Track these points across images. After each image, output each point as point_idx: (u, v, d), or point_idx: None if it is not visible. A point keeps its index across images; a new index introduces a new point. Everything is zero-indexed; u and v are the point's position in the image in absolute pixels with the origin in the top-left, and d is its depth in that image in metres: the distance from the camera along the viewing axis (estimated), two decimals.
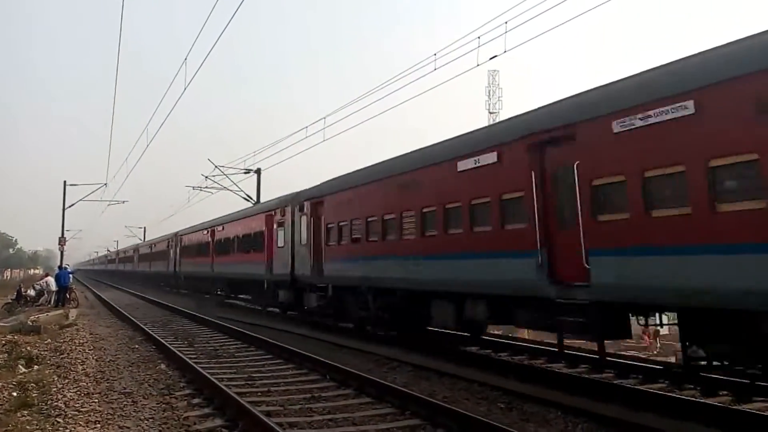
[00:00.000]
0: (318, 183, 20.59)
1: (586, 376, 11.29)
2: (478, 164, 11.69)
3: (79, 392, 10.08)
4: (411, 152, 15.11)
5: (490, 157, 11.34)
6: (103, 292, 46.22)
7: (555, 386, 9.98)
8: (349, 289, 17.48)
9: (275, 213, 24.19)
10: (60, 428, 7.94)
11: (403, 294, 14.74)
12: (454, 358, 12.99)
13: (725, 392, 9.47)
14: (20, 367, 12.48)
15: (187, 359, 12.71)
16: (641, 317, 9.65)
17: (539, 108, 10.99)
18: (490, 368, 11.83)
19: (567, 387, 9.92)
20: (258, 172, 36.32)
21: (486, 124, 11.81)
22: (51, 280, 33.77)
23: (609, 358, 12.36)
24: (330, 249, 18.45)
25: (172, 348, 14.49)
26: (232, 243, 30.37)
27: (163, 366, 12.75)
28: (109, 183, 45.66)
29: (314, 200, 19.93)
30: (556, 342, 12.03)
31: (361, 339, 16.32)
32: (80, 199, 45.44)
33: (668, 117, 7.98)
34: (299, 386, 10.64)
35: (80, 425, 8.11)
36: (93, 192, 45.52)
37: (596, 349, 10.74)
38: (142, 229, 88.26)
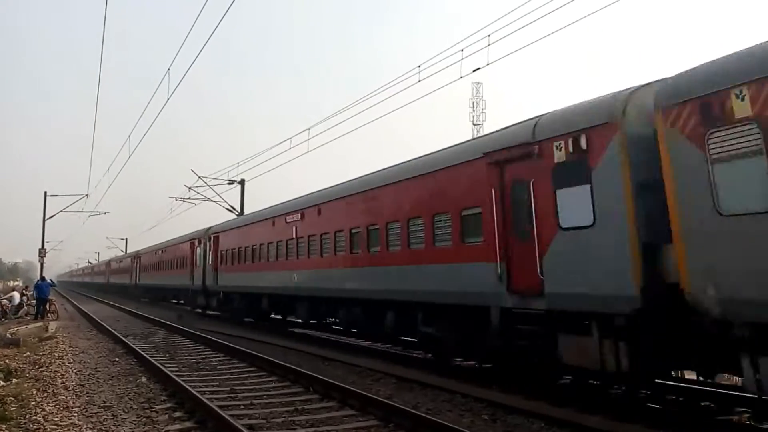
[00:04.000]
0: (221, 222, 31.39)
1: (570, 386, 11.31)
2: (294, 219, 20.44)
3: (58, 406, 9.94)
4: (262, 210, 25.07)
5: (297, 216, 20.18)
6: (84, 304, 45.67)
7: (539, 397, 9.99)
8: (230, 294, 27.88)
9: (195, 241, 33.34)
10: None
11: (252, 295, 24.76)
12: (436, 370, 12.98)
13: (707, 402, 9.55)
14: None
15: (169, 372, 12.57)
16: None
17: (302, 196, 20.99)
18: (473, 380, 11.83)
19: (551, 398, 9.93)
20: (242, 183, 36.22)
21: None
22: (16, 294, 33.74)
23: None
24: (221, 268, 28.51)
25: (153, 361, 14.34)
26: (172, 261, 39.75)
27: (143, 379, 12.61)
28: (90, 194, 45.32)
29: (215, 234, 29.93)
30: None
31: (345, 351, 16.28)
32: (61, 210, 45.06)
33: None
34: (282, 399, 10.57)
35: None
36: (74, 203, 45.17)
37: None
38: (124, 241, 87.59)
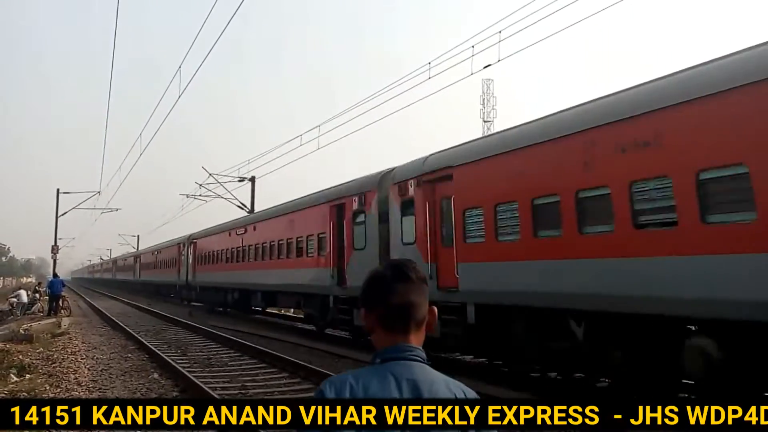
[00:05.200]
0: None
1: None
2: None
3: None
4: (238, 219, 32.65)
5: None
6: (95, 300, 46.00)
7: (549, 395, 9.96)
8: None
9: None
10: None
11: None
12: (446, 367, 12.97)
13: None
14: (12, 376, 12.41)
15: (180, 368, 12.65)
16: None
17: (272, 206, 26.94)
18: (482, 377, 11.81)
19: (562, 395, 9.90)
20: (252, 180, 36.33)
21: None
22: (22, 293, 33.98)
23: None
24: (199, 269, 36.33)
25: (165, 356, 14.43)
26: (153, 263, 52.58)
27: (155, 375, 12.69)
28: (102, 191, 45.57)
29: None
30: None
31: (355, 348, 16.30)
32: (73, 207, 45.33)
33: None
34: (294, 395, 10.60)
35: None
36: (86, 200, 45.52)
37: None
38: (136, 237, 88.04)
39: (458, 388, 1.85)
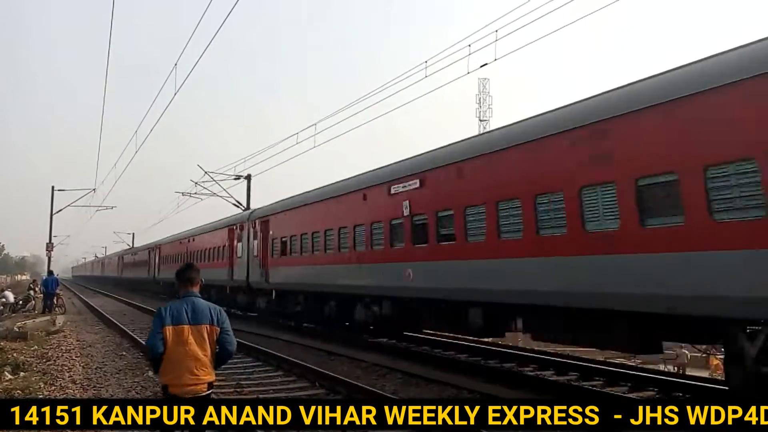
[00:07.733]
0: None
1: (576, 383, 11.32)
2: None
3: None
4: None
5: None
6: (90, 298, 45.90)
7: (545, 394, 9.99)
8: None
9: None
10: None
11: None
12: (442, 365, 13.01)
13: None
14: (6, 373, 12.35)
15: None
16: None
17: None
18: (478, 375, 11.84)
19: (557, 394, 9.93)
20: (248, 178, 36.23)
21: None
22: (8, 294, 34.01)
23: (599, 366, 12.46)
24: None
25: None
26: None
27: (150, 373, 12.65)
28: (97, 188, 45.38)
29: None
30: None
31: (351, 346, 16.29)
32: (68, 205, 45.08)
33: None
34: (288, 393, 10.60)
35: None
36: (81, 197, 45.34)
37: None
38: (131, 235, 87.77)
39: (213, 306, 5.14)
